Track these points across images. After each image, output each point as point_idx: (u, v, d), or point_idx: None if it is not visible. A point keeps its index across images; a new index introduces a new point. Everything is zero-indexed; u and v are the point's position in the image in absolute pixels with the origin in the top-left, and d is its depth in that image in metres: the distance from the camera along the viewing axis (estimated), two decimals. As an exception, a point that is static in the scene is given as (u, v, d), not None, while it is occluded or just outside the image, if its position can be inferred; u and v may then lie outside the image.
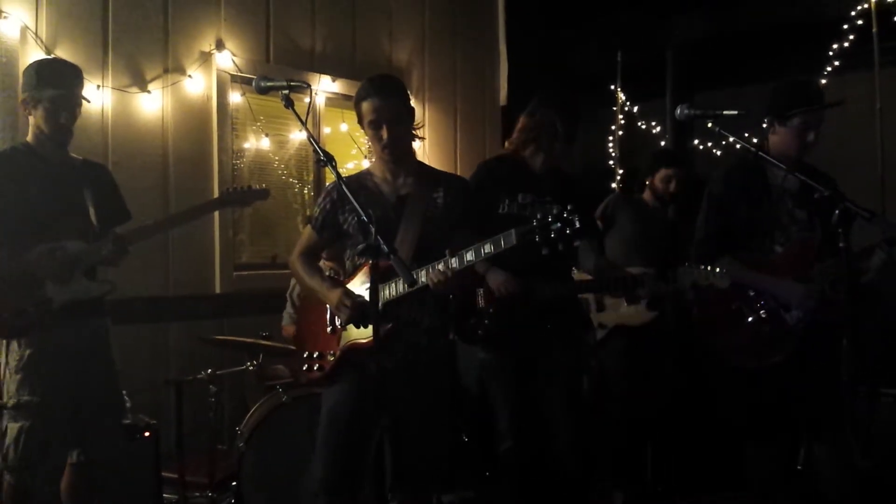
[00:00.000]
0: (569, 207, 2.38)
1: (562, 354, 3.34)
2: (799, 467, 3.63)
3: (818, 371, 3.08)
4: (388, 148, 2.80)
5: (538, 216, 2.39)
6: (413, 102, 5.90)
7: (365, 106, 2.79)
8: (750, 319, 3.21)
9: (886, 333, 4.12)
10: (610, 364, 4.16)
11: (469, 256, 2.56)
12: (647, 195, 4.32)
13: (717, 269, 3.16)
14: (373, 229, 2.35)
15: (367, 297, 2.74)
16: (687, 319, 3.82)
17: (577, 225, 2.34)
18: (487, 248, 2.53)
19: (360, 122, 2.85)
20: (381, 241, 2.32)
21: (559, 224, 2.35)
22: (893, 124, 5.58)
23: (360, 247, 2.40)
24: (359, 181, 2.82)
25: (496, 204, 3.34)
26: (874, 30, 5.38)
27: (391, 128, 2.77)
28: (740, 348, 3.25)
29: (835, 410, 3.13)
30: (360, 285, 2.81)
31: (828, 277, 3.09)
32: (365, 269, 2.81)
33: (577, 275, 3.68)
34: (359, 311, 2.71)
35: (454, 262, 2.57)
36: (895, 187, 5.19)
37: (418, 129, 2.96)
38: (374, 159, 2.96)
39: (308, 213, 2.84)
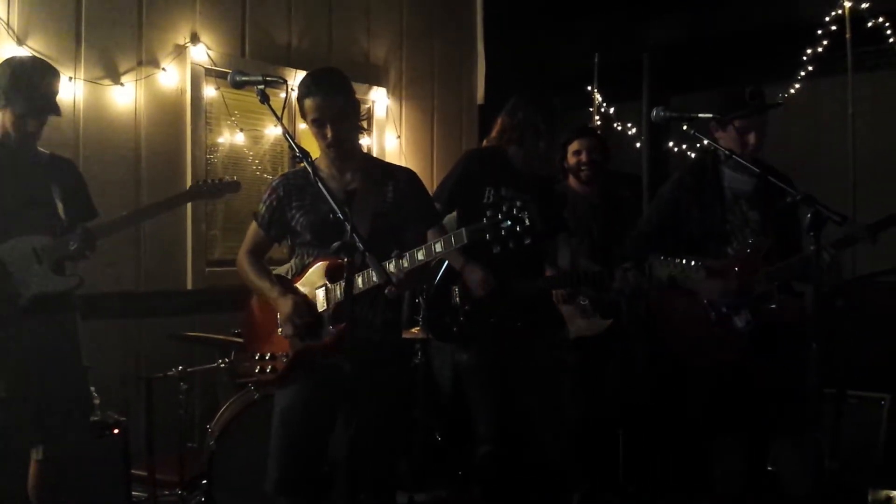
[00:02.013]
0: (518, 205, 2.36)
1: (540, 354, 3.34)
2: (770, 468, 3.67)
3: (779, 372, 3.12)
4: (332, 146, 2.75)
5: (488, 214, 2.38)
6: (390, 100, 5.94)
7: (307, 103, 2.73)
8: (703, 320, 3.25)
9: (853, 336, 4.16)
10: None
11: (420, 255, 2.54)
12: (571, 181, 4.30)
13: (693, 263, 3.15)
14: (348, 226, 2.33)
15: (317, 301, 2.72)
16: (643, 324, 3.87)
17: (528, 222, 2.33)
18: (438, 248, 2.51)
19: (304, 118, 2.79)
20: (357, 239, 2.30)
21: (510, 222, 2.34)
22: (865, 129, 5.65)
23: (335, 245, 2.38)
24: (305, 177, 2.72)
25: (481, 193, 3.32)
26: (847, 35, 5.44)
27: (335, 125, 2.72)
28: (695, 348, 3.31)
29: (799, 412, 3.17)
30: (308, 285, 2.77)
31: (774, 281, 3.13)
32: (315, 268, 2.77)
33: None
34: (307, 328, 2.68)
35: (405, 262, 2.55)
36: (866, 192, 5.25)
37: (363, 121, 2.92)
38: (319, 154, 2.91)
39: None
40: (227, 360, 3.82)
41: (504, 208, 2.34)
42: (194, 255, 4.66)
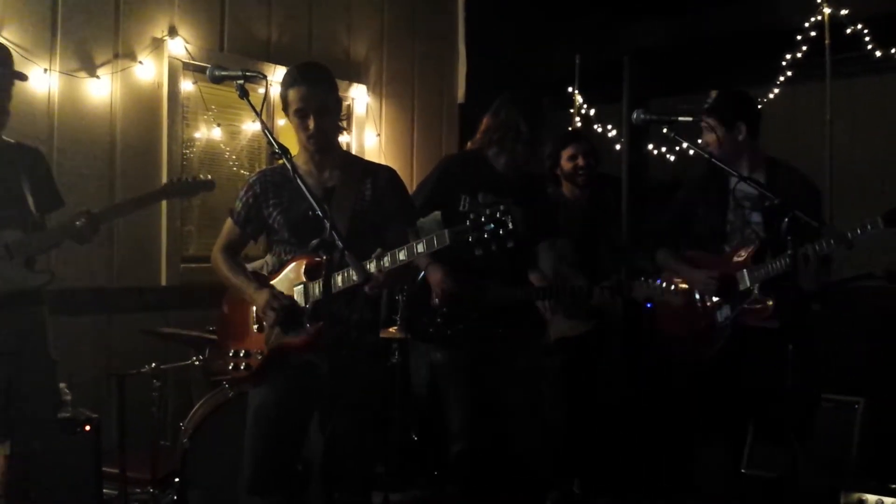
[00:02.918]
0: (501, 208, 2.36)
1: (517, 355, 3.33)
2: (743, 470, 3.69)
3: (755, 373, 3.15)
4: (313, 138, 2.73)
5: (471, 216, 2.37)
6: (370, 97, 5.91)
7: (291, 94, 2.71)
8: (691, 311, 3.36)
9: (827, 340, 4.20)
10: (550, 377, 4.17)
11: (402, 255, 2.52)
12: (564, 187, 4.32)
13: (672, 287, 3.24)
14: (327, 224, 2.30)
15: (295, 298, 2.70)
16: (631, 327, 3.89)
17: (511, 226, 2.32)
18: (420, 248, 2.50)
19: (286, 109, 2.77)
20: (337, 237, 2.28)
21: (492, 225, 2.33)
22: (843, 135, 5.70)
23: (314, 242, 2.36)
24: (283, 174, 2.69)
25: (456, 200, 3.31)
26: (827, 42, 5.49)
27: (318, 118, 2.70)
28: (678, 340, 3.44)
29: (775, 413, 3.19)
30: (286, 282, 2.74)
31: (755, 280, 3.17)
32: (293, 265, 2.74)
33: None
34: (288, 315, 2.65)
35: (386, 262, 2.53)
36: (843, 197, 5.30)
37: (344, 120, 2.91)
38: (298, 151, 2.88)
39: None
40: (201, 357, 3.77)
41: (487, 211, 2.33)
42: (169, 251, 4.61)
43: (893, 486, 3.64)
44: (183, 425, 3.68)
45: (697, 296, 3.38)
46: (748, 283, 3.23)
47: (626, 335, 4.16)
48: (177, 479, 3.52)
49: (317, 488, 2.86)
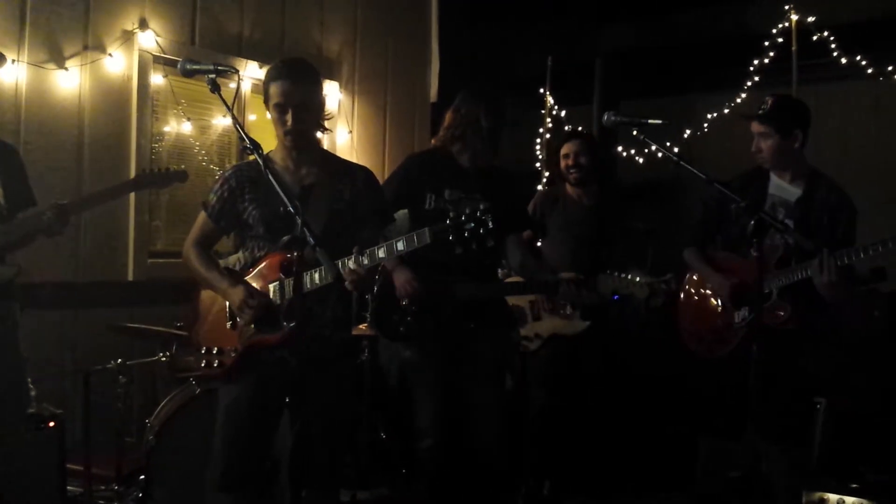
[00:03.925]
0: (482, 207, 2.38)
1: (485, 352, 3.34)
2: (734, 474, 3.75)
3: (770, 375, 3.14)
4: (289, 134, 2.71)
5: (451, 215, 2.38)
6: (343, 94, 5.89)
7: (273, 87, 2.70)
8: (711, 310, 3.41)
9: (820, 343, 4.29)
10: (535, 371, 4.20)
11: (381, 254, 2.53)
12: (567, 187, 4.37)
13: (637, 279, 3.25)
14: (299, 220, 2.30)
15: (270, 295, 2.69)
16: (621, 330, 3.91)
17: (491, 225, 2.34)
18: (400, 246, 2.51)
19: (267, 103, 2.76)
20: (308, 233, 2.27)
21: (473, 224, 2.36)
22: (808, 140, 5.78)
23: (286, 238, 2.35)
24: (259, 169, 2.60)
25: (422, 199, 3.31)
26: (794, 48, 5.58)
27: (297, 113, 2.69)
28: (697, 336, 3.48)
29: (785, 416, 3.24)
30: (260, 279, 2.73)
31: (777, 284, 3.20)
32: (267, 262, 2.73)
33: (508, 275, 3.71)
34: (261, 310, 2.64)
35: (365, 259, 2.53)
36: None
37: (327, 119, 2.88)
38: (276, 145, 2.87)
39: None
40: (168, 353, 3.75)
41: (468, 210, 2.35)
42: (136, 245, 4.56)
43: (854, 485, 3.71)
44: (148, 422, 3.65)
45: (718, 294, 3.42)
46: (771, 288, 3.23)
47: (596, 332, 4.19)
48: (142, 477, 3.49)
49: (284, 485, 2.85)
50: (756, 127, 3.36)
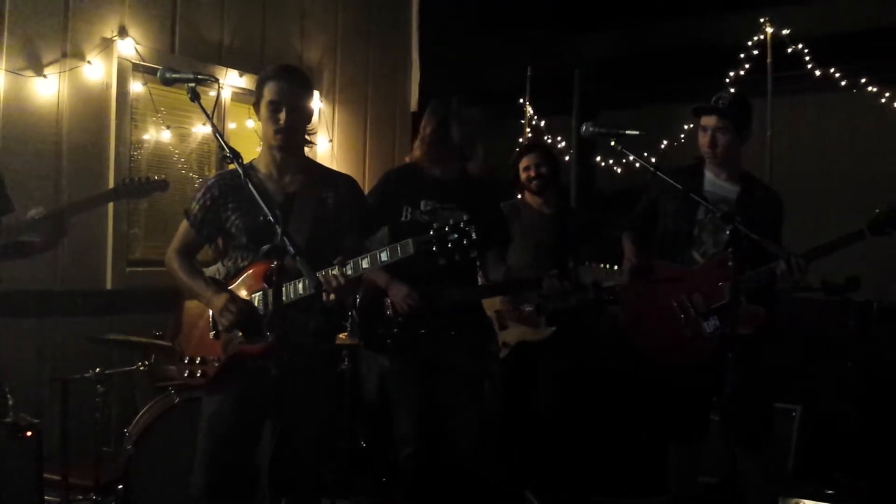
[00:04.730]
0: (465, 218, 2.40)
1: (465, 361, 3.35)
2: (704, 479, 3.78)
3: (739, 382, 3.16)
4: (281, 133, 2.71)
5: (435, 226, 2.40)
6: (323, 103, 5.90)
7: (269, 86, 2.71)
8: (673, 321, 3.33)
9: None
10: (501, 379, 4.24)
11: (365, 264, 2.54)
12: (527, 196, 4.45)
13: (616, 267, 3.25)
14: (279, 229, 2.30)
15: (253, 302, 2.69)
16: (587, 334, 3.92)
17: (475, 236, 2.36)
18: (384, 257, 2.52)
19: (258, 103, 2.76)
20: (288, 242, 2.28)
21: (456, 235, 2.37)
22: (782, 151, 5.88)
23: (266, 248, 2.34)
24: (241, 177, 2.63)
25: (399, 212, 3.32)
26: (769, 60, 5.66)
27: (290, 113, 2.70)
28: (662, 348, 3.39)
29: (752, 420, 3.26)
30: (244, 288, 2.72)
31: (741, 291, 3.21)
32: (250, 272, 2.73)
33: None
34: (244, 317, 2.64)
35: (349, 270, 2.54)
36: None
37: (313, 134, 2.88)
38: (260, 152, 2.86)
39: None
40: (147, 362, 3.73)
41: (451, 221, 2.37)
42: (115, 254, 4.53)
43: (829, 491, 3.76)
44: (127, 431, 3.63)
45: (678, 304, 3.34)
46: (736, 295, 3.23)
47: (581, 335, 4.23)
48: (120, 486, 3.45)
49: (265, 493, 2.85)
50: (714, 121, 3.32)
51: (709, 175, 3.42)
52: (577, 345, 4.34)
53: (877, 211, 3.15)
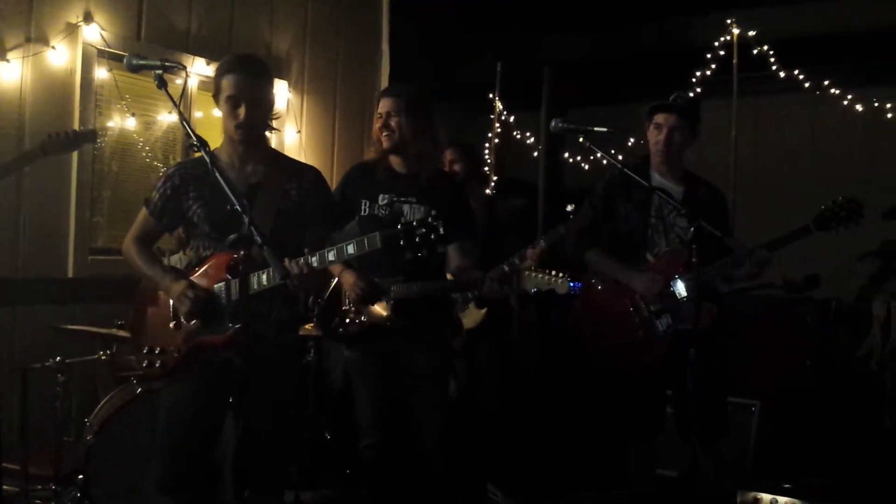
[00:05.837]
0: (433, 213, 2.40)
1: (427, 354, 3.35)
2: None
3: (692, 378, 3.20)
4: (241, 128, 2.68)
5: (403, 220, 2.40)
6: (292, 93, 5.86)
7: (226, 80, 2.67)
8: (627, 321, 3.35)
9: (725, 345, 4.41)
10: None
11: (331, 256, 2.53)
12: None
13: (560, 275, 3.23)
14: (246, 219, 2.29)
15: (213, 290, 2.67)
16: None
17: (442, 231, 2.37)
18: (351, 249, 2.51)
19: (217, 96, 2.72)
20: (255, 232, 2.27)
21: (423, 229, 2.38)
22: (746, 150, 5.97)
23: (232, 237, 2.33)
24: (204, 166, 2.55)
25: (358, 207, 3.32)
26: (734, 61, 5.73)
27: (249, 108, 2.66)
28: (616, 351, 3.40)
29: (710, 416, 3.30)
30: (206, 279, 2.69)
31: (692, 287, 3.25)
32: (213, 262, 2.70)
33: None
34: (202, 304, 2.61)
35: (314, 261, 2.53)
36: (745, 208, 5.54)
37: (275, 119, 2.84)
38: (221, 142, 2.83)
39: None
40: (108, 352, 3.69)
41: (420, 215, 2.37)
42: (77, 242, 4.47)
43: (787, 485, 3.83)
44: (88, 421, 3.60)
45: (631, 305, 3.36)
46: (684, 293, 3.25)
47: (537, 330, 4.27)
48: (80, 477, 3.43)
49: (227, 486, 2.83)
50: (672, 119, 3.37)
51: (655, 175, 3.46)
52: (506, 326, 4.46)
53: (822, 207, 3.22)
